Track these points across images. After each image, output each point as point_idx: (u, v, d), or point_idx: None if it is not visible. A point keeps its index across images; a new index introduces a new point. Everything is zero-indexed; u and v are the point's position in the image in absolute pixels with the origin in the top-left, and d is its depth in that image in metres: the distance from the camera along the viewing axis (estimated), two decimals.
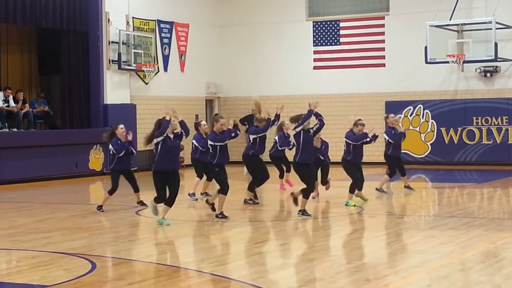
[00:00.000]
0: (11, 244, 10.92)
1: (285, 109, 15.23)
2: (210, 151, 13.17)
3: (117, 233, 12.15)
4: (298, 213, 13.13)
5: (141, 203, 14.67)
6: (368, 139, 15.00)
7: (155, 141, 12.14)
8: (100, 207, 14.24)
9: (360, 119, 15.00)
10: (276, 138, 16.25)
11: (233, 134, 13.29)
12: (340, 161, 15.12)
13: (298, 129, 12.99)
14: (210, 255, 10.11)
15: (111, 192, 14.28)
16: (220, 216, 12.91)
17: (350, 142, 14.83)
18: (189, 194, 15.93)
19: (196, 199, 15.82)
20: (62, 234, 11.73)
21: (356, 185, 14.90)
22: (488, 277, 8.39)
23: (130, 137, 14.51)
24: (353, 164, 14.93)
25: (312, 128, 13.16)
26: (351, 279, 8.44)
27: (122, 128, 14.48)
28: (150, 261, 9.70)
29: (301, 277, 8.60)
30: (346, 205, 14.54)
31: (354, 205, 14.47)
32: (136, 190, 14.75)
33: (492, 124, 23.62)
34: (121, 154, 14.27)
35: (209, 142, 13.20)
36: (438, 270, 8.75)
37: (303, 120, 12.95)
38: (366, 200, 15.05)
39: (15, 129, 20.80)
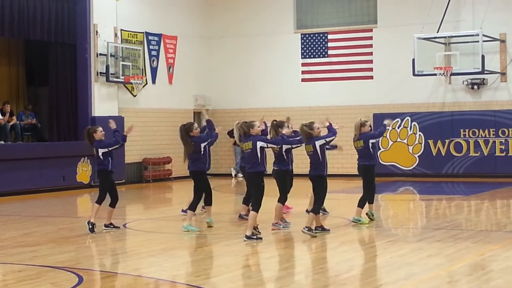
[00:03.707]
0: None
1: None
2: (284, 156, 12.76)
3: (104, 246, 12.11)
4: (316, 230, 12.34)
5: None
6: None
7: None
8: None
9: (360, 119, 13.52)
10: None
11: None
12: (363, 169, 13.42)
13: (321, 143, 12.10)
14: (198, 268, 10.09)
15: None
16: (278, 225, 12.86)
17: (375, 139, 13.38)
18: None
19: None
20: (49, 247, 11.67)
21: (371, 196, 13.58)
22: None
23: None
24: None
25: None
26: None
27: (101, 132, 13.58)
28: (137, 274, 9.65)
29: None
30: (356, 222, 13.37)
31: (370, 220, 13.54)
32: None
33: (480, 136, 23.69)
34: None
35: (285, 147, 12.64)
36: (426, 283, 8.75)
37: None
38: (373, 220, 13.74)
39: (2, 142, 20.72)
